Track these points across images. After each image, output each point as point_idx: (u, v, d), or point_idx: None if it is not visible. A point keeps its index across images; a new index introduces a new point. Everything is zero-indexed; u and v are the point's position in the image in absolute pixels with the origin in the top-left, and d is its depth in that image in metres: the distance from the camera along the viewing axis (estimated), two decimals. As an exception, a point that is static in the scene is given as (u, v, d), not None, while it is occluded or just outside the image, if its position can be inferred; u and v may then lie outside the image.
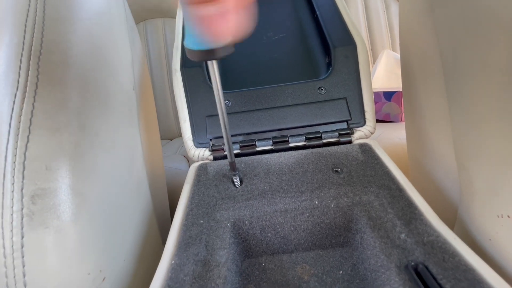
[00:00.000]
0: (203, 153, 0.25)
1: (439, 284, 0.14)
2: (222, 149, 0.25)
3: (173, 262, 0.17)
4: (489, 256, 0.19)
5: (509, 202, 0.18)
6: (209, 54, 0.14)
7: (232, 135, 0.25)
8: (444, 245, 0.16)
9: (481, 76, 0.19)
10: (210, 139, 0.25)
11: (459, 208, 0.24)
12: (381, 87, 0.72)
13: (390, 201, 0.19)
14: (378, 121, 0.70)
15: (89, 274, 0.18)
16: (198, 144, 0.25)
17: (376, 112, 0.70)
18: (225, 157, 0.25)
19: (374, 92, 0.69)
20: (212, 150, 0.25)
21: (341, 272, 0.19)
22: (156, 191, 0.33)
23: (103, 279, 0.19)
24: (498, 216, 0.18)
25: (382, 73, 0.77)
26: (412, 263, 0.16)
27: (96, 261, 0.18)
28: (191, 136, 0.25)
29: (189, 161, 0.60)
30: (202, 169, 0.24)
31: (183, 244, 0.18)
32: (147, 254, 0.25)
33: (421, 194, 0.20)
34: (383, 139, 0.56)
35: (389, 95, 0.68)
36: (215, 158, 0.25)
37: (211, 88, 0.26)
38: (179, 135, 0.89)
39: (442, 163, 0.27)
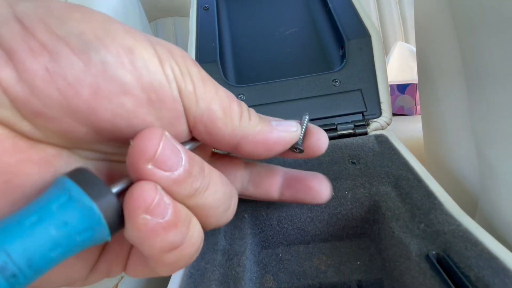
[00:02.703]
0: None
1: (462, 273, 0.14)
2: None
3: None
4: None
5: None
6: None
7: None
8: (465, 234, 0.16)
9: (505, 66, 0.19)
10: None
11: (480, 198, 0.23)
12: (394, 79, 0.71)
13: (408, 191, 0.19)
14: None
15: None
16: None
17: (390, 105, 0.69)
18: None
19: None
20: None
21: (358, 262, 0.20)
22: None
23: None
24: (521, 205, 0.18)
25: (395, 65, 0.75)
26: (433, 252, 0.16)
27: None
28: None
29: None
30: None
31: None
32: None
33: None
34: (398, 133, 0.55)
35: (403, 88, 0.66)
36: None
37: (226, 83, 0.27)
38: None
39: (460, 153, 0.26)
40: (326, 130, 0.25)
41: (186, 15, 0.89)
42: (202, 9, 0.31)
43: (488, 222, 0.22)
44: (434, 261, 0.15)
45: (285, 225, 0.20)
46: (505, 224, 0.19)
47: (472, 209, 0.25)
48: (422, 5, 0.29)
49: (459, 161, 0.27)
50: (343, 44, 0.27)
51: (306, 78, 0.26)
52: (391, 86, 0.67)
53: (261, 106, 0.26)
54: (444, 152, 0.29)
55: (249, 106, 0.26)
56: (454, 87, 0.25)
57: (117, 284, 0.19)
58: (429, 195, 0.19)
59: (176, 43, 0.88)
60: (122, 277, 0.19)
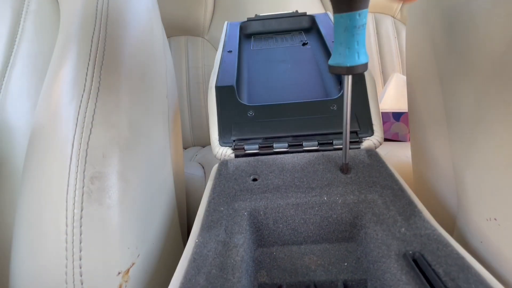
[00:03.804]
0: (226, 151, 0.28)
1: (433, 270, 0.17)
2: (243, 148, 0.28)
3: (197, 240, 0.20)
4: (482, 258, 0.21)
5: (496, 206, 0.20)
6: (350, 70, 0.19)
7: (252, 138, 0.29)
8: (439, 238, 0.18)
9: (474, 105, 0.22)
10: (234, 140, 0.28)
11: (456, 217, 0.26)
12: (390, 108, 0.75)
13: (392, 200, 0.21)
14: (386, 140, 0.72)
15: (128, 248, 0.21)
16: (223, 143, 0.29)
17: (385, 131, 0.73)
18: (245, 155, 0.28)
19: (384, 112, 0.71)
20: (234, 149, 0.28)
21: (345, 264, 0.22)
22: (178, 190, 0.36)
23: (138, 256, 0.22)
24: (487, 220, 0.20)
25: (391, 94, 0.80)
26: (410, 252, 0.18)
27: (134, 238, 0.22)
28: (217, 137, 0.29)
29: (204, 168, 0.63)
30: (224, 165, 0.27)
31: (206, 227, 0.21)
32: (170, 243, 0.28)
33: (424, 204, 0.22)
34: (391, 157, 0.58)
35: (397, 116, 0.70)
36: (236, 156, 0.28)
37: (239, 102, 0.30)
38: (194, 144, 0.93)
39: (442, 175, 0.29)
40: (323, 144, 0.28)
41: (198, 35, 0.95)
42: (227, 52, 0.38)
43: (462, 237, 0.24)
44: (410, 260, 0.18)
45: (280, 225, 0.23)
46: (475, 237, 0.22)
47: (450, 227, 0.27)
48: (411, 39, 0.33)
49: (441, 182, 0.29)
50: (340, 78, 0.31)
51: (307, 103, 0.30)
52: (387, 113, 0.72)
53: (267, 121, 0.29)
54: (429, 174, 0.32)
55: (255, 121, 0.29)
56: (437, 120, 0.28)
57: (128, 270, 0.21)
58: (410, 203, 0.21)
59: (187, 59, 0.94)
60: (133, 264, 0.21)
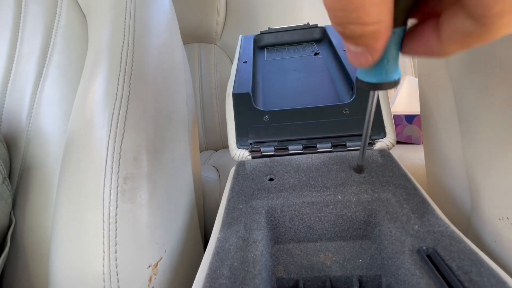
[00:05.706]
0: (243, 153, 0.30)
1: (446, 264, 0.17)
2: (259, 150, 0.29)
3: (219, 236, 0.21)
4: (496, 257, 0.22)
5: (508, 206, 0.20)
6: (376, 86, 0.19)
7: (268, 141, 0.30)
8: (452, 234, 0.19)
9: (485, 108, 0.23)
10: (250, 143, 0.30)
11: (471, 217, 0.26)
12: (403, 110, 0.75)
13: (405, 198, 0.22)
14: (400, 142, 0.72)
15: (157, 243, 0.23)
16: (240, 146, 0.30)
17: (398, 134, 0.73)
18: (261, 157, 0.30)
19: (396, 115, 0.71)
20: (251, 151, 0.30)
21: (360, 260, 0.22)
22: (196, 191, 0.38)
23: (165, 251, 0.24)
24: (500, 219, 0.21)
25: (403, 97, 0.79)
26: (424, 248, 0.18)
27: (161, 235, 0.23)
28: (235, 140, 0.30)
29: (218, 171, 0.65)
30: (242, 166, 0.28)
31: (227, 223, 0.22)
32: (192, 239, 0.30)
33: (437, 205, 0.23)
34: (404, 159, 0.58)
35: (410, 118, 0.70)
36: (253, 158, 0.30)
37: (255, 108, 0.32)
38: (206, 148, 0.95)
39: (455, 177, 0.30)
40: (336, 146, 0.29)
41: (210, 42, 0.98)
42: (242, 62, 0.40)
43: (477, 238, 0.25)
44: (424, 255, 0.18)
45: (296, 223, 0.24)
46: (488, 237, 0.22)
47: (465, 227, 0.28)
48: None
49: (454, 183, 0.30)
50: (352, 84, 0.32)
51: (321, 107, 0.31)
52: (399, 116, 0.71)
53: (282, 125, 0.30)
54: (442, 176, 0.33)
55: (270, 125, 0.31)
56: (449, 122, 0.29)
57: (156, 264, 0.23)
58: (423, 201, 0.22)
59: (200, 66, 0.97)
60: (161, 258, 0.23)
